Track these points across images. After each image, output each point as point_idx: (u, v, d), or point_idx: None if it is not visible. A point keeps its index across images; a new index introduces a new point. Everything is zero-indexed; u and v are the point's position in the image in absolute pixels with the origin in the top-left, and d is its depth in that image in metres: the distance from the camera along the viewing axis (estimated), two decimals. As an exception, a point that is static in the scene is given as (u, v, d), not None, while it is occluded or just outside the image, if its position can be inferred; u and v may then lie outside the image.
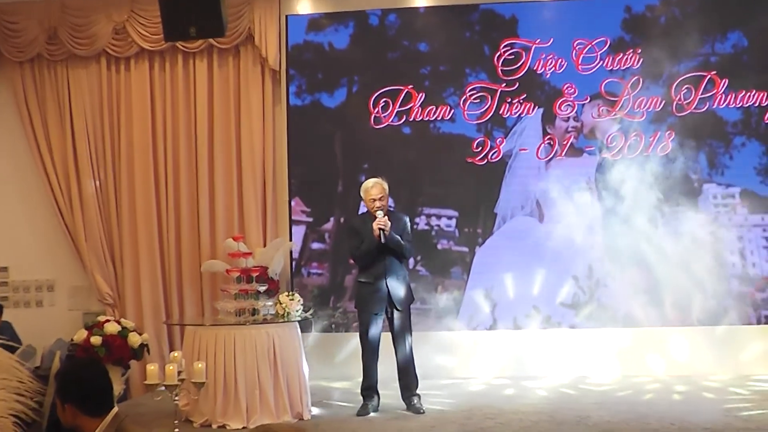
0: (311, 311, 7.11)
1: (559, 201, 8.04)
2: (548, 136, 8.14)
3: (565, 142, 8.12)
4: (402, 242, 6.55)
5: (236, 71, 8.38)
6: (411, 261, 7.50)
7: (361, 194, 6.65)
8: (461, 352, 8.08)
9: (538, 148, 8.16)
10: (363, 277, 6.64)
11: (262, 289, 6.83)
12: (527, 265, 8.07)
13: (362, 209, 8.14)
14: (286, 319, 6.67)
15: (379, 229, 6.45)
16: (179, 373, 5.65)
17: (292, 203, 8.36)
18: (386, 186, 6.62)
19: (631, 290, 7.95)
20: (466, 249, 8.24)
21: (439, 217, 8.27)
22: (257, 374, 6.40)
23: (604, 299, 8.02)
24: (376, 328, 6.60)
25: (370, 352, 6.60)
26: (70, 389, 3.36)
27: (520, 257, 8.09)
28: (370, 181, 6.64)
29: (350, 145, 8.39)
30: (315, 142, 8.42)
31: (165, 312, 8.34)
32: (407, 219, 6.76)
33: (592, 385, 7.54)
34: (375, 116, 8.29)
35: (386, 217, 6.50)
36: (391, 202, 6.82)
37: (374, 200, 6.52)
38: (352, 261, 6.57)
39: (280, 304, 6.71)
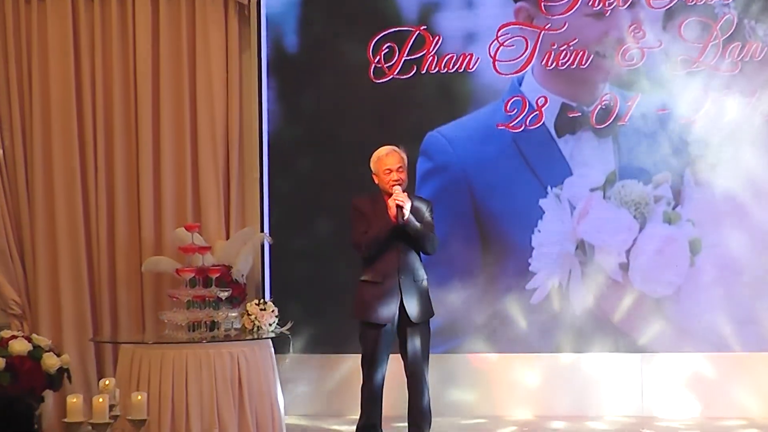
0: (289, 325, 7.14)
1: (619, 180, 7.98)
2: (606, 95, 8.02)
3: (629, 103, 8.00)
4: (425, 230, 6.55)
5: (190, 6, 8.29)
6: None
7: (372, 166, 6.66)
8: (486, 382, 8.12)
9: (594, 111, 8.04)
10: (368, 275, 6.55)
11: (224, 295, 6.86)
12: (575, 266, 8.01)
13: (356, 189, 8.24)
14: (255, 336, 6.77)
15: (397, 206, 6.38)
16: (111, 407, 5.52)
17: (265, 182, 8.31)
18: (405, 156, 6.65)
19: (716, 302, 7.86)
20: (494, 244, 8.24)
21: (459, 200, 8.27)
22: (216, 408, 6.46)
23: (680, 314, 7.92)
24: (385, 345, 6.47)
25: (374, 379, 6.47)
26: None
27: (566, 255, 8.02)
28: (384, 149, 6.67)
29: (343, 104, 8.34)
30: (296, 101, 8.37)
31: (92, 326, 8.25)
32: (430, 205, 6.76)
33: (662, 429, 7.52)
34: (376, 67, 8.26)
35: (406, 193, 6.49)
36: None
37: (390, 171, 6.53)
38: (359, 250, 6.59)
39: (249, 315, 6.84)
